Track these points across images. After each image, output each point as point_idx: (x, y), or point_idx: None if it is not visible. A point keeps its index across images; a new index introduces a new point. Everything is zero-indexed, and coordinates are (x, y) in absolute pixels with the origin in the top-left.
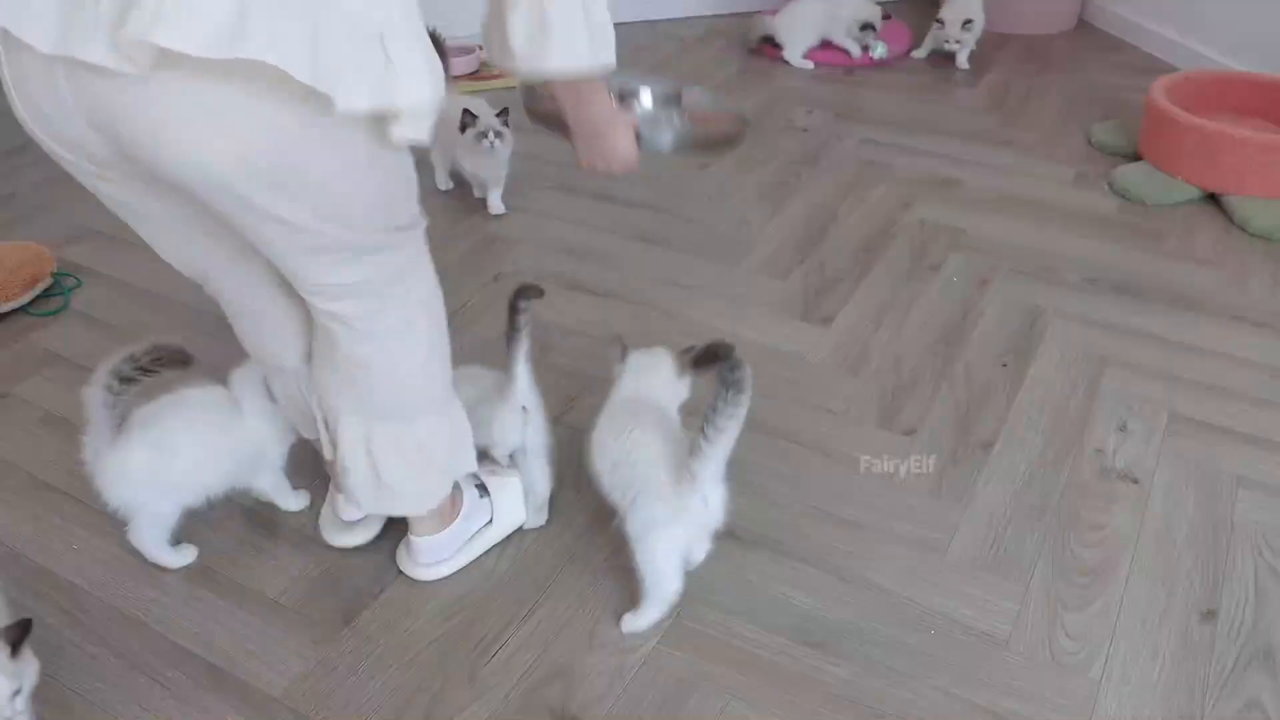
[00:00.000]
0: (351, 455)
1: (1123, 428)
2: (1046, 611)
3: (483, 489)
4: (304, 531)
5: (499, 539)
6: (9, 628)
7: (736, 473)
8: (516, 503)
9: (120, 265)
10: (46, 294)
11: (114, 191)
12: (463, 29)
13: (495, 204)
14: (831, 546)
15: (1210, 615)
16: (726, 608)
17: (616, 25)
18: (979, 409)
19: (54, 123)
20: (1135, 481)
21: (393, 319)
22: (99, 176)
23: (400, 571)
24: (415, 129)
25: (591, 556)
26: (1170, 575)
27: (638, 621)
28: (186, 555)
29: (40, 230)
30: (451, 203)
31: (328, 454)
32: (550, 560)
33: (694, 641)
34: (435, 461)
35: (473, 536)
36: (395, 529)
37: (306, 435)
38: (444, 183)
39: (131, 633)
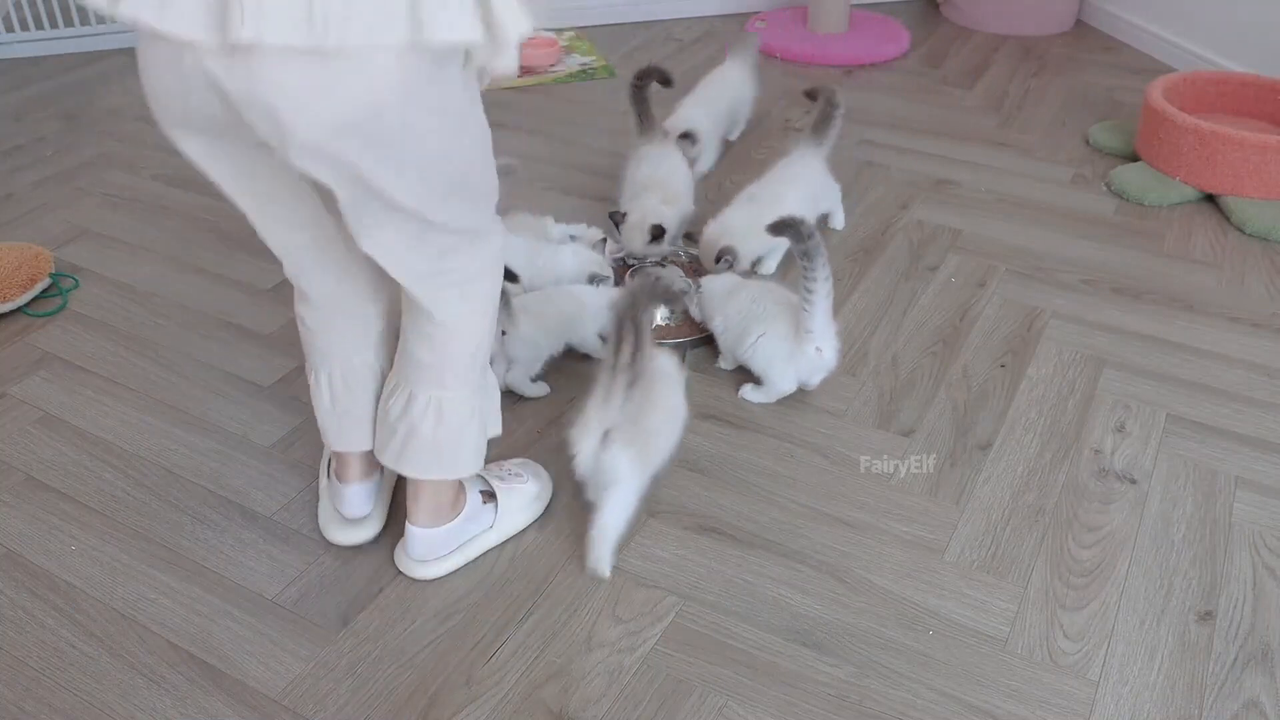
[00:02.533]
0: (421, 421)
1: (1120, 428)
2: (1044, 612)
3: (488, 495)
4: (302, 532)
5: (497, 543)
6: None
7: (735, 473)
8: (521, 510)
9: (118, 266)
10: (44, 294)
11: (225, 171)
12: None
13: None
14: (829, 547)
15: (1208, 616)
16: (724, 608)
17: (614, 26)
18: (977, 410)
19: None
20: (1133, 482)
21: (473, 304)
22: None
23: (399, 572)
24: (509, 62)
25: (589, 557)
26: (1168, 576)
27: (755, 397)
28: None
29: (38, 230)
30: None
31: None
32: (548, 561)
33: (691, 642)
34: (481, 427)
35: (471, 539)
36: (394, 527)
37: (348, 444)
38: None
39: (129, 633)
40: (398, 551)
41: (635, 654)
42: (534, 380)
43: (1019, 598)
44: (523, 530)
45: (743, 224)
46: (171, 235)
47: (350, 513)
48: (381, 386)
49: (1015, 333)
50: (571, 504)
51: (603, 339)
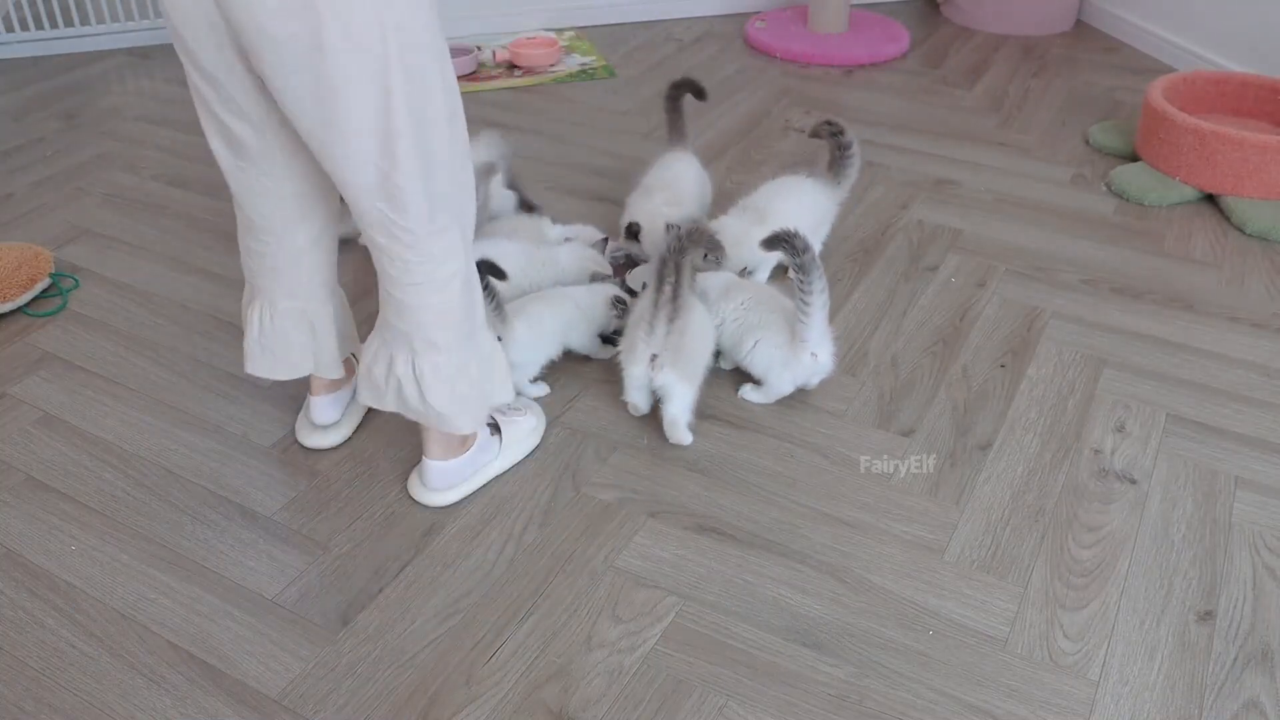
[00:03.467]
0: (406, 383)
1: (1120, 428)
2: (1044, 612)
3: (494, 427)
4: (302, 532)
5: (502, 471)
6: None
7: (735, 473)
8: (520, 441)
9: (118, 266)
10: (45, 295)
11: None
12: (462, 29)
13: None
14: (829, 547)
15: (1208, 616)
16: (724, 608)
17: (614, 26)
18: (977, 410)
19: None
20: (1133, 482)
21: (436, 250)
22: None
23: (398, 572)
24: None
25: (589, 557)
26: (1168, 576)
27: (755, 397)
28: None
29: (38, 231)
30: None
31: (336, 373)
32: (548, 561)
33: (692, 642)
34: (475, 388)
35: (479, 469)
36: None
37: (265, 372)
38: None
39: (129, 633)
40: (412, 482)
41: (635, 654)
42: (533, 381)
43: (1019, 598)
44: (522, 460)
45: (737, 232)
46: (171, 235)
47: (318, 419)
48: (307, 330)
49: (1015, 333)
50: (570, 504)
51: (604, 339)
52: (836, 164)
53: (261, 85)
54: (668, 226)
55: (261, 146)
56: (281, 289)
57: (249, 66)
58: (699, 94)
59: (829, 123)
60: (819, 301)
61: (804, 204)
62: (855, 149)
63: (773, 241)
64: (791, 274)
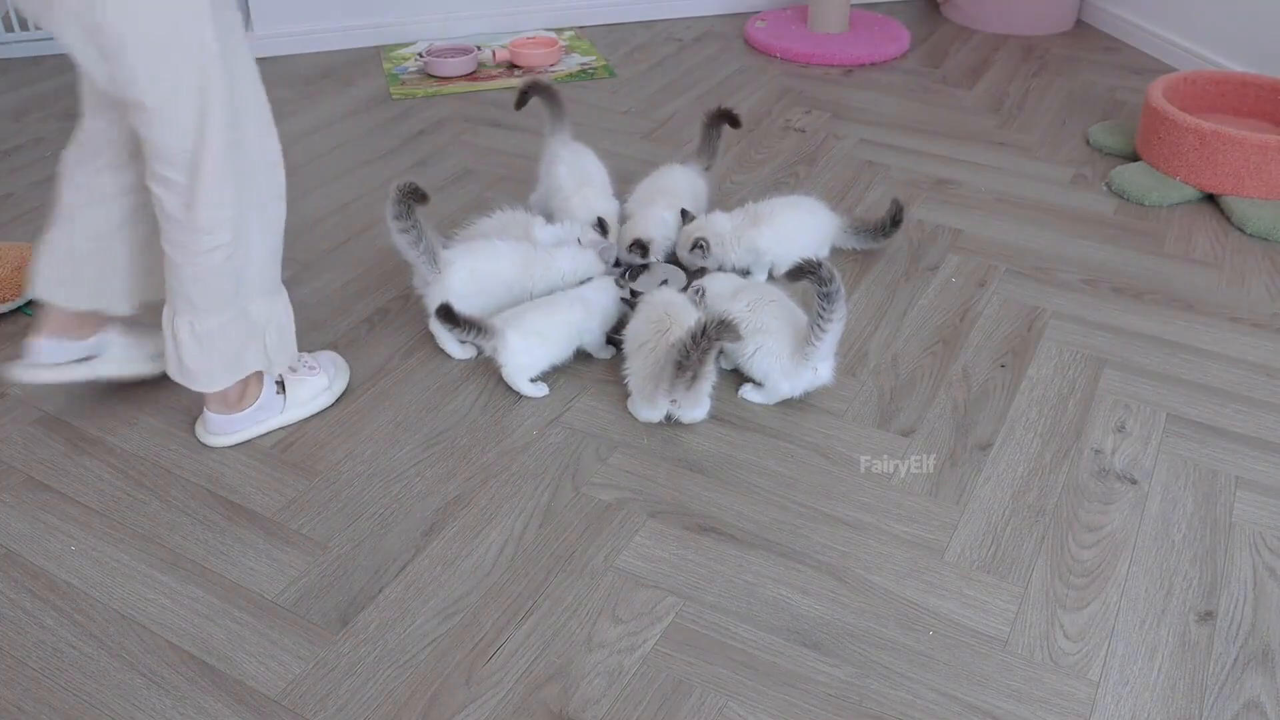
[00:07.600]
0: (166, 336)
1: (1121, 428)
2: (1045, 612)
3: (281, 386)
4: (302, 532)
5: (281, 425)
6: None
7: (736, 473)
8: (308, 401)
9: None
10: None
11: None
12: (462, 29)
13: None
14: (829, 547)
15: (1208, 616)
16: (724, 608)
17: (614, 26)
18: (977, 410)
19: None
20: (1133, 482)
21: (201, 217)
22: None
23: (399, 572)
24: None
25: (589, 557)
26: (1168, 576)
27: (755, 397)
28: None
29: (38, 230)
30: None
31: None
32: (547, 561)
33: (692, 642)
34: (222, 353)
35: (261, 422)
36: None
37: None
38: None
39: (128, 633)
40: (197, 425)
41: (635, 654)
42: (532, 381)
43: (1019, 598)
44: (312, 417)
45: (723, 229)
46: None
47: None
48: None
49: (1015, 333)
50: (570, 504)
51: (609, 341)
52: (870, 230)
53: None
54: (634, 241)
55: None
56: None
57: None
58: (734, 123)
59: (901, 209)
60: (836, 328)
61: (808, 223)
62: (892, 237)
63: (797, 272)
64: (816, 300)
